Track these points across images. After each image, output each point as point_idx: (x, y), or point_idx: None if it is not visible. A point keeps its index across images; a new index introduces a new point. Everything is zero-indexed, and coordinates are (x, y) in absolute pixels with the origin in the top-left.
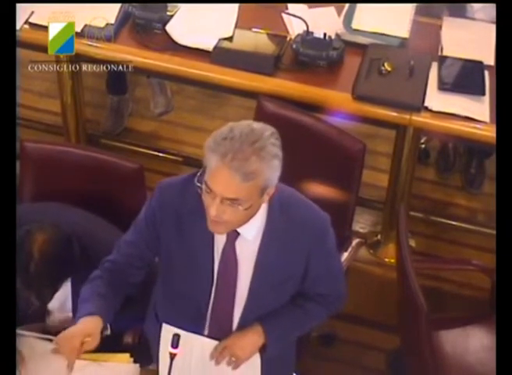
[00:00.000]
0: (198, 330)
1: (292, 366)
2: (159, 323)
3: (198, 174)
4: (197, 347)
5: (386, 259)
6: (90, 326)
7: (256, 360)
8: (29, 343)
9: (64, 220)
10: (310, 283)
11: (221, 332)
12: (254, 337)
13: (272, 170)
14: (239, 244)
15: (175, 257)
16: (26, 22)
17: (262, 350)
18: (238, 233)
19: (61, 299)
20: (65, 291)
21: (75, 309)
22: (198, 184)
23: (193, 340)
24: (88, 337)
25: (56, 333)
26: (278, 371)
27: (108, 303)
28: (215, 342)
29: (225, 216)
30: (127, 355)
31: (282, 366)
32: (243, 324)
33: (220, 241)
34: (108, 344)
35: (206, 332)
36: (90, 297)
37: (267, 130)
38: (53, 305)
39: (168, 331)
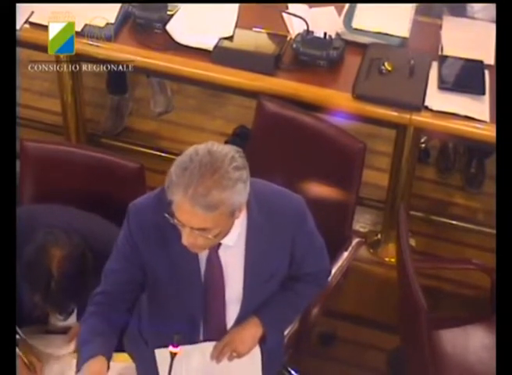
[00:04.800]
0: (192, 337)
1: (282, 359)
2: (144, 337)
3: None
4: (195, 354)
5: (386, 259)
6: (96, 369)
7: (256, 352)
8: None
9: (74, 223)
10: (297, 265)
11: (217, 334)
12: (253, 330)
13: (237, 195)
14: (222, 252)
15: (161, 272)
16: (26, 22)
17: (261, 341)
18: (220, 243)
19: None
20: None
21: (79, 314)
22: (167, 216)
23: (190, 350)
24: None
25: (58, 332)
26: (269, 365)
27: (108, 340)
28: (213, 343)
29: (198, 242)
30: (126, 354)
31: (273, 359)
32: (241, 321)
33: (203, 251)
34: None
35: (201, 338)
36: (89, 338)
37: (228, 153)
38: None
39: (162, 354)
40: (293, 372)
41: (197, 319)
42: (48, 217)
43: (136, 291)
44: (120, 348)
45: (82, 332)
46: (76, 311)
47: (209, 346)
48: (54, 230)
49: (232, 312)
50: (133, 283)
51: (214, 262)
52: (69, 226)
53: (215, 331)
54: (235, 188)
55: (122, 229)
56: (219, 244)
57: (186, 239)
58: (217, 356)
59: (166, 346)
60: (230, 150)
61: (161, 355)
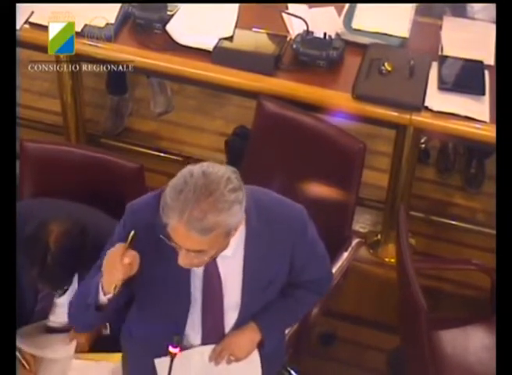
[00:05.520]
0: (190, 343)
1: (283, 360)
2: (135, 339)
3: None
4: (195, 357)
5: (386, 259)
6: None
7: (255, 356)
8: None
9: (76, 214)
10: (297, 273)
11: (215, 339)
12: (251, 335)
13: (233, 217)
14: (220, 261)
15: (154, 277)
16: (26, 22)
17: (260, 345)
18: None
19: (68, 294)
20: (72, 286)
21: None
22: (163, 237)
23: (189, 354)
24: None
25: (59, 330)
26: (270, 366)
27: None
28: (212, 346)
29: (194, 263)
30: (120, 354)
31: (273, 360)
32: (239, 326)
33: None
34: (108, 344)
35: (199, 342)
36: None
37: (224, 175)
38: (60, 300)
39: (162, 364)
40: (292, 372)
41: (195, 325)
42: (48, 210)
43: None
44: (116, 348)
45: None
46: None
47: (208, 349)
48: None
49: (230, 318)
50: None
51: (212, 271)
52: (71, 215)
53: (214, 337)
54: (231, 211)
55: (117, 227)
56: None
57: (182, 260)
58: (215, 359)
59: (164, 353)
60: (226, 171)
61: (161, 364)
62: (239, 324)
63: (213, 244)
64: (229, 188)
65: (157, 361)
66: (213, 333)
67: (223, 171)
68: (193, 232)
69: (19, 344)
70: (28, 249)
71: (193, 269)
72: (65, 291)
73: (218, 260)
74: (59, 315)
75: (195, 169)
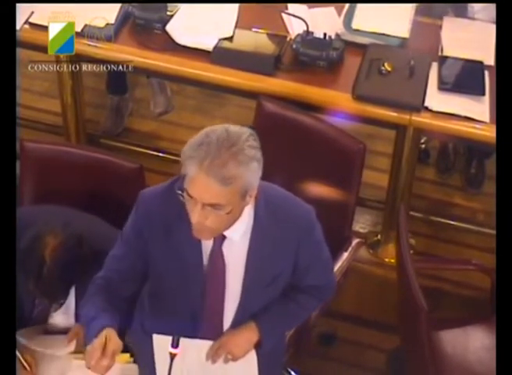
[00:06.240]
0: (193, 333)
1: (282, 360)
2: (147, 334)
3: (178, 181)
4: (192, 350)
5: (386, 259)
6: (105, 336)
7: (252, 356)
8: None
9: (73, 222)
10: (300, 275)
11: (214, 332)
12: (249, 334)
13: (251, 173)
14: (226, 247)
15: (164, 264)
16: (26, 22)
17: (257, 346)
18: (224, 236)
19: (64, 307)
20: (68, 300)
21: (77, 312)
22: (179, 192)
23: (187, 344)
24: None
25: (58, 333)
26: (270, 365)
27: (113, 316)
28: (209, 342)
29: (207, 222)
30: (127, 354)
31: (273, 360)
32: (238, 322)
33: (208, 244)
34: None
35: (200, 334)
36: (95, 314)
37: (244, 133)
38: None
39: (160, 341)
40: (292, 372)
41: (197, 314)
42: (47, 218)
43: (137, 280)
44: (122, 349)
45: (86, 310)
46: (74, 306)
47: (206, 345)
48: (52, 220)
49: (229, 312)
50: (134, 271)
51: (217, 255)
52: (67, 227)
53: (212, 329)
54: (250, 165)
55: (130, 216)
56: (224, 238)
57: (197, 217)
58: (212, 356)
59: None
60: (245, 130)
61: (159, 340)
62: (237, 320)
63: (230, 200)
64: (248, 144)
65: (155, 336)
66: (212, 325)
67: (243, 130)
68: (213, 180)
69: (17, 340)
70: (23, 262)
71: (203, 251)
72: (61, 305)
73: (224, 246)
74: (58, 320)
75: (217, 126)
